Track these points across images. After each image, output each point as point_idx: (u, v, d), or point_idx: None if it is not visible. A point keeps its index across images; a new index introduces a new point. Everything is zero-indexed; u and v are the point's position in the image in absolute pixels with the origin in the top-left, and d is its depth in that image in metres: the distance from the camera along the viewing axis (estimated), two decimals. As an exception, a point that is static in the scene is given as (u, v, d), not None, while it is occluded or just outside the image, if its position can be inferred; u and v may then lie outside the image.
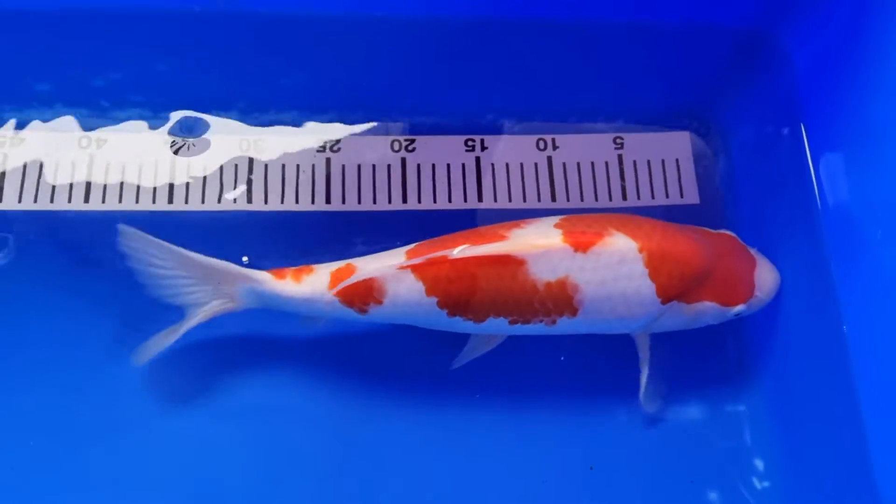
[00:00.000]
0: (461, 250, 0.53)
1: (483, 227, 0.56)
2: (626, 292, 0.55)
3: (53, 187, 0.62)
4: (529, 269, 0.54)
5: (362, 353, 0.59)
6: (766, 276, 0.58)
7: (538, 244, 0.54)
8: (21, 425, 0.56)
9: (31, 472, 0.55)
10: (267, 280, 0.54)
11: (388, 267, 0.53)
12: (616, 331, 0.58)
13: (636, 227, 0.55)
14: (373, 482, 0.57)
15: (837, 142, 0.59)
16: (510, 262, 0.53)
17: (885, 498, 0.52)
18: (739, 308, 0.57)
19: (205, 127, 0.64)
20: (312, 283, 0.54)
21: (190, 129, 0.64)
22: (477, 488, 0.57)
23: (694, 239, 0.56)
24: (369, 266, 0.54)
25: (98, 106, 0.64)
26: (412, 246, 0.55)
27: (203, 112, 0.65)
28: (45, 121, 0.64)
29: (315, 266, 0.55)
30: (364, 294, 0.54)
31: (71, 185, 0.62)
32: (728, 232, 0.59)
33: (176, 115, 0.65)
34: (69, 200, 0.61)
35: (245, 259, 0.59)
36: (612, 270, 0.54)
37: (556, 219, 0.56)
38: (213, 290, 0.55)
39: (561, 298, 0.54)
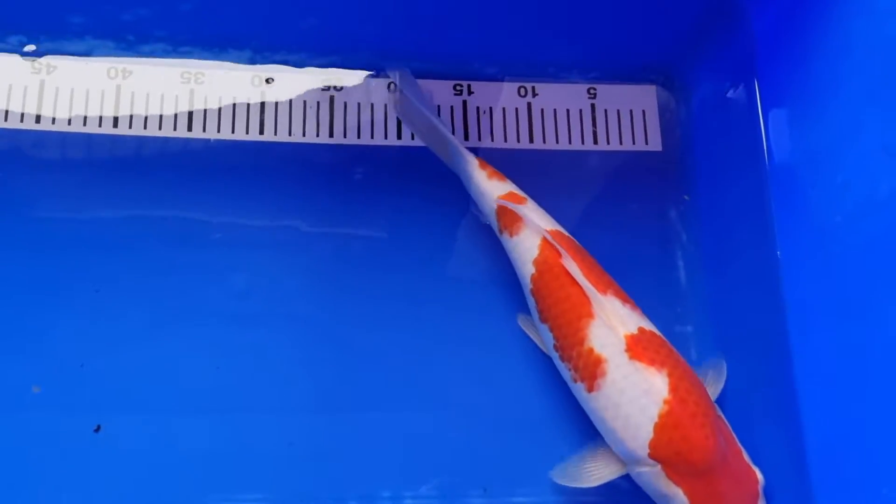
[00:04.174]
0: (574, 267, 0.57)
1: (606, 275, 0.59)
2: (629, 418, 0.55)
3: (85, 113, 0.66)
4: (590, 325, 0.56)
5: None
6: None
7: (611, 321, 0.56)
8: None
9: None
10: (471, 162, 0.64)
11: (533, 222, 0.60)
12: (607, 439, 0.57)
13: (685, 388, 0.54)
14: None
15: (786, 100, 0.62)
16: (586, 307, 0.57)
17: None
18: None
19: (220, 62, 0.68)
20: (492, 187, 0.63)
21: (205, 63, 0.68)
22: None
23: (716, 444, 0.53)
24: (528, 211, 0.61)
25: (125, 39, 0.66)
26: (558, 227, 0.61)
27: (218, 49, 0.68)
28: (76, 51, 0.67)
29: (505, 178, 0.63)
30: (508, 222, 0.61)
31: (101, 112, 0.66)
32: (760, 478, 0.55)
33: (194, 51, 0.68)
34: (99, 125, 0.66)
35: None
36: (634, 390, 0.55)
37: (647, 326, 0.57)
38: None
39: (589, 368, 0.56)
